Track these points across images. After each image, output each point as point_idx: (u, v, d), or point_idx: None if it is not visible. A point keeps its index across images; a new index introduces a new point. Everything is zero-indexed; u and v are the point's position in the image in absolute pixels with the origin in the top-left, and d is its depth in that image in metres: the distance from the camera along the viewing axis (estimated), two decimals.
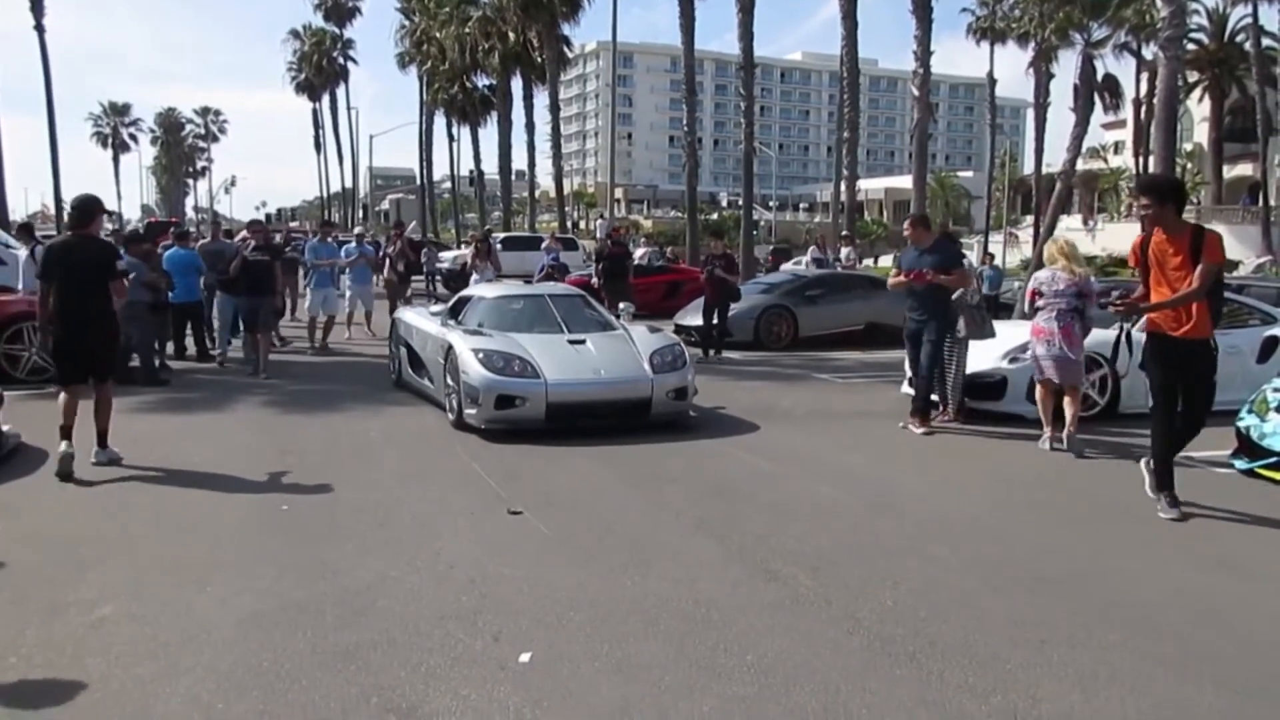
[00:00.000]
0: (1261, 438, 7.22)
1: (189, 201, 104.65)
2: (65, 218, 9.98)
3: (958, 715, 3.52)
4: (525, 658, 3.92)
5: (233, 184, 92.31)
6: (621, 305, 11.29)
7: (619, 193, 62.84)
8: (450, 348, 8.86)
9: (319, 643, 4.04)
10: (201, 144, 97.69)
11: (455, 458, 7.63)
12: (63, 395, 6.87)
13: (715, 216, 62.03)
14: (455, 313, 10.19)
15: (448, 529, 5.72)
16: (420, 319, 10.68)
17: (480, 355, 8.43)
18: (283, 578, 4.82)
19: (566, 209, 51.20)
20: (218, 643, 4.05)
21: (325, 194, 77.35)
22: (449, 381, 8.82)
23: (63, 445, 6.70)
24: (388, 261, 17.43)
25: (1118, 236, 48.31)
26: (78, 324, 6.87)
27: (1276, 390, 7.49)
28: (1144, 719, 3.53)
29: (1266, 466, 7.11)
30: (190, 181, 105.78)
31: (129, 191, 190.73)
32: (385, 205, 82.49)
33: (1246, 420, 7.40)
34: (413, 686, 3.66)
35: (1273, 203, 40.28)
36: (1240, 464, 7.28)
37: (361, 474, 7.05)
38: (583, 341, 9.03)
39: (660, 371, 8.73)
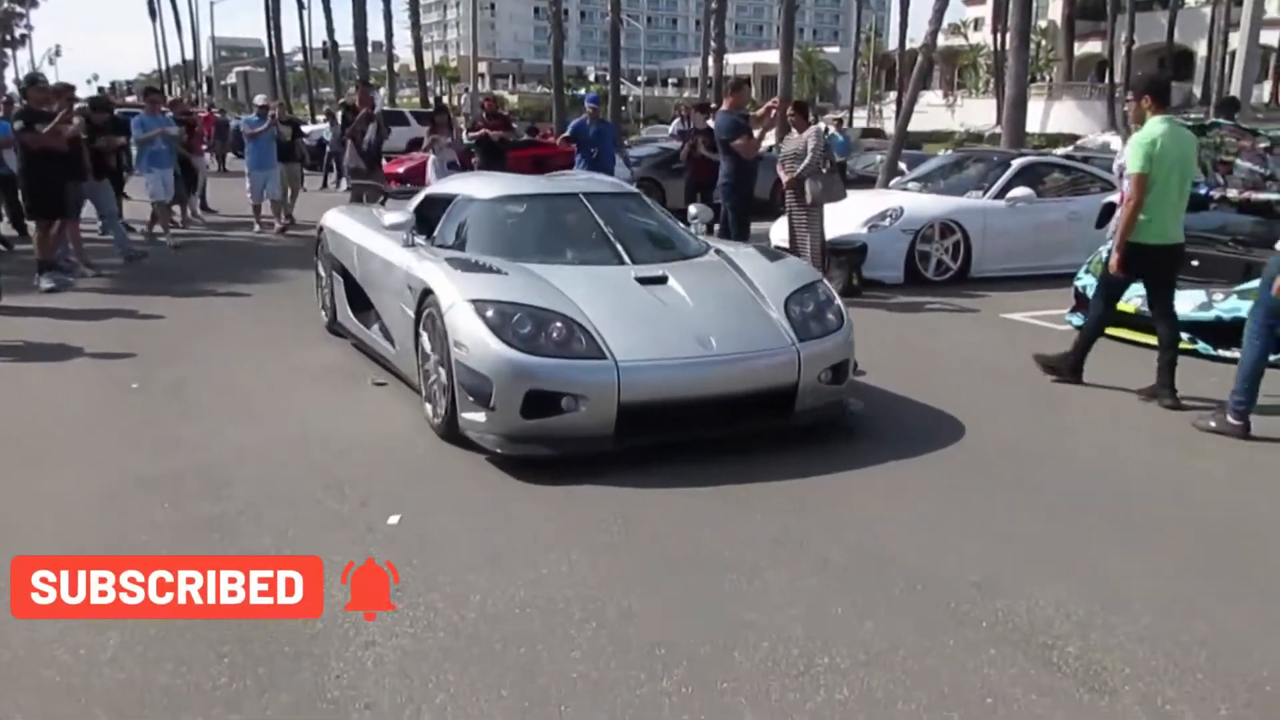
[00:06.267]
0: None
1: (8, 74, 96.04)
2: None
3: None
4: (394, 520, 3.94)
5: (57, 54, 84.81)
6: (692, 210, 6.62)
7: (483, 67, 60.71)
8: (428, 294, 4.96)
9: (178, 515, 3.97)
10: (18, 8, 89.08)
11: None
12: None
13: (583, 91, 60.81)
14: (426, 223, 6.07)
15: (312, 402, 5.62)
16: (366, 232, 6.47)
17: (489, 313, 4.56)
18: (136, 455, 4.67)
19: (428, 84, 49.29)
20: (73, 522, 3.92)
21: (164, 66, 72.15)
22: (427, 352, 5.01)
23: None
24: (348, 143, 12.75)
25: (975, 112, 49.83)
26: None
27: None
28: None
29: None
30: (8, 51, 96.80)
31: None
32: (232, 79, 77.75)
33: (1084, 280, 7.83)
34: (279, 553, 3.64)
35: (1118, 80, 41.90)
36: (1077, 320, 7.73)
37: (213, 345, 6.80)
38: (662, 279, 5.11)
39: (807, 337, 4.92)
